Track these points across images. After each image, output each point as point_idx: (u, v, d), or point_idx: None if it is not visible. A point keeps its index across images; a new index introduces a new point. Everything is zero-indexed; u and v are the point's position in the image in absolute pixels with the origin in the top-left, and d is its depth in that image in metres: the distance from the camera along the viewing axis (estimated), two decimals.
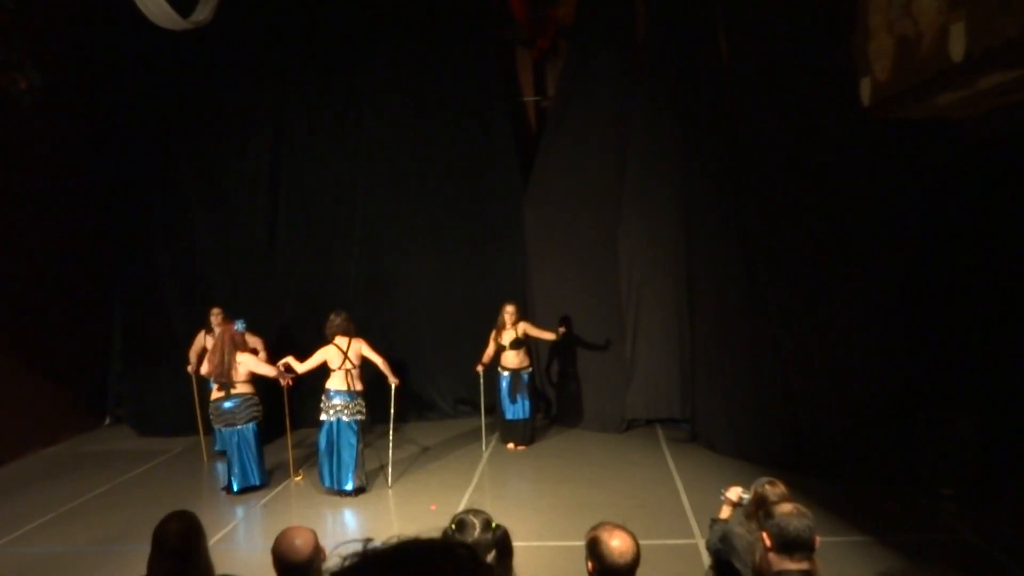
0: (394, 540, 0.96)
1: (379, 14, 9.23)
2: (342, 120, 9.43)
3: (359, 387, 6.90)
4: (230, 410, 7.04)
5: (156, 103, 9.53)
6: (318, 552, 2.85)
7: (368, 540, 0.98)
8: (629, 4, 8.53)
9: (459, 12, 9.18)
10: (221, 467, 7.67)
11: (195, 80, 9.37)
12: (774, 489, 3.47)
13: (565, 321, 8.56)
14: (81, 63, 9.67)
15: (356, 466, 6.87)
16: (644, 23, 8.51)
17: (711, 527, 3.72)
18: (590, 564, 2.64)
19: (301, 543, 2.81)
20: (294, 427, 7.92)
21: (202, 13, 6.91)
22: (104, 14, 9.35)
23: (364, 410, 6.94)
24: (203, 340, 8.31)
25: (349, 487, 6.85)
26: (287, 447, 7.63)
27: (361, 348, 6.95)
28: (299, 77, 9.41)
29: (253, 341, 7.80)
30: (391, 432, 7.21)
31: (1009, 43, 4.41)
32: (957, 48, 4.96)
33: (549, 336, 8.23)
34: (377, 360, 6.98)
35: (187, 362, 8.31)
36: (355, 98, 9.39)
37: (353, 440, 6.82)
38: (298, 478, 7.43)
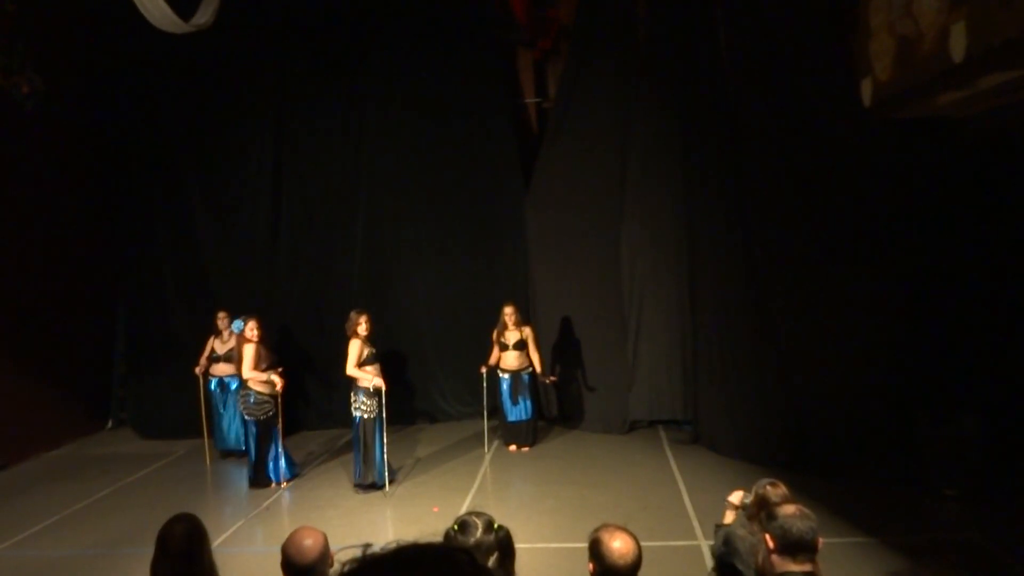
0: (393, 545, 0.97)
1: (380, 15, 9.24)
2: (344, 122, 9.44)
3: (356, 384, 7.00)
4: (241, 401, 7.38)
5: (158, 106, 9.56)
6: (326, 556, 2.84)
7: (367, 545, 0.98)
8: (630, 5, 8.54)
9: (460, 13, 9.18)
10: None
11: (197, 83, 9.39)
12: (775, 490, 3.47)
13: (557, 371, 8.65)
14: (83, 67, 9.69)
15: (358, 462, 6.98)
16: (645, 24, 8.51)
17: (715, 533, 3.72)
18: (591, 565, 2.64)
19: (310, 544, 2.81)
20: (288, 432, 7.96)
21: (203, 16, 6.93)
22: (106, 18, 9.36)
23: (363, 406, 6.94)
24: (212, 344, 8.36)
25: (356, 480, 7.01)
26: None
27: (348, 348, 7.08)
28: (301, 79, 9.42)
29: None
30: (384, 434, 7.19)
31: (1010, 43, 4.40)
32: (958, 48, 4.95)
33: (536, 362, 8.16)
34: (347, 363, 7.01)
35: (195, 364, 8.35)
36: (356, 100, 9.40)
37: (353, 434, 6.99)
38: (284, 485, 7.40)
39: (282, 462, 7.37)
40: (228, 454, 8.32)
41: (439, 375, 9.50)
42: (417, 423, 9.33)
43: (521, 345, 8.06)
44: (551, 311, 8.83)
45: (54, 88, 8.72)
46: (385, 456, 7.01)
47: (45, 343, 9.10)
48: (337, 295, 9.26)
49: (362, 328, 7.00)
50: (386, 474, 7.02)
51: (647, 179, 8.48)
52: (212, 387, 8.33)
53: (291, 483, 7.37)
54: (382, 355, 7.31)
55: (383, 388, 6.93)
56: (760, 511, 3.44)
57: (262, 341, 7.25)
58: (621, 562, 2.55)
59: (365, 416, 6.92)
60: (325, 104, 9.43)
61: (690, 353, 8.32)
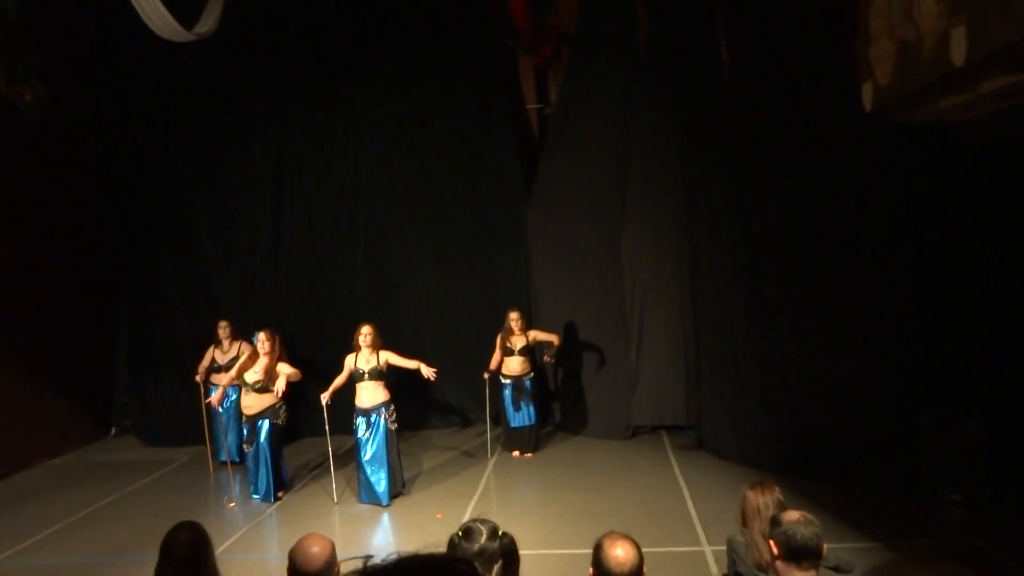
0: (394, 556, 0.97)
1: (382, 22, 9.26)
2: (345, 129, 9.46)
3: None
4: None
5: (160, 114, 9.58)
6: (333, 564, 2.83)
7: (368, 556, 0.99)
8: (631, 11, 8.55)
9: (461, 20, 9.20)
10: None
11: (199, 90, 9.42)
12: (762, 492, 3.48)
13: (553, 352, 8.58)
14: (86, 75, 9.73)
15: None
16: (645, 30, 8.52)
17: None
18: (591, 570, 2.65)
19: (317, 552, 2.80)
20: (289, 439, 7.99)
21: (205, 25, 6.96)
22: (109, 26, 9.41)
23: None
24: (212, 353, 8.34)
25: None
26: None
27: None
28: (302, 86, 9.44)
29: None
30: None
31: (1010, 47, 4.40)
32: (958, 52, 4.95)
33: (553, 337, 8.21)
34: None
35: (195, 373, 8.34)
36: (358, 106, 9.42)
37: None
38: (231, 504, 7.31)
39: (260, 479, 7.16)
40: (227, 464, 8.28)
41: (441, 381, 9.44)
42: (420, 430, 9.32)
43: (526, 351, 8.07)
44: (553, 317, 8.82)
45: (57, 96, 8.74)
46: (360, 472, 7.01)
47: (48, 351, 9.12)
48: (338, 302, 9.27)
49: (361, 339, 7.01)
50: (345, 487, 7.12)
51: (648, 185, 8.48)
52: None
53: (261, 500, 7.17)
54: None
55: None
56: (745, 509, 3.48)
57: (269, 355, 7.09)
58: (617, 570, 2.55)
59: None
60: (326, 111, 9.45)
61: (692, 358, 8.31)
